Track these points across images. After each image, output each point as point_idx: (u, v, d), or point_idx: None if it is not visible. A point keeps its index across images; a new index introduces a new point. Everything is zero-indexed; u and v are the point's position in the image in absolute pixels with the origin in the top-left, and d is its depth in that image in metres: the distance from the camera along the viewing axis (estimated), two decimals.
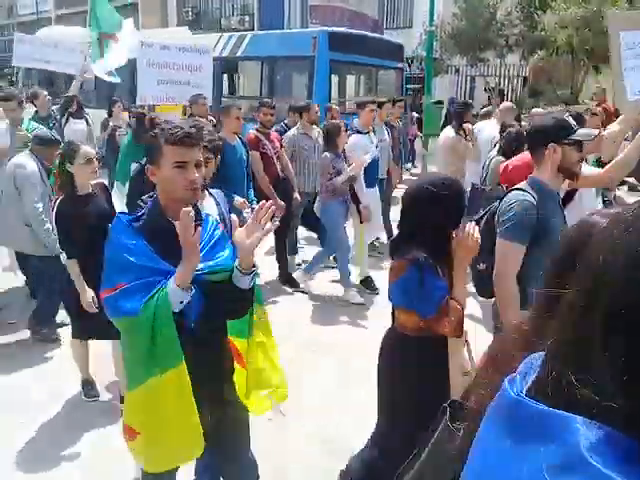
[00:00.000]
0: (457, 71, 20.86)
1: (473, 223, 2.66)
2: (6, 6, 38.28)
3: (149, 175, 2.22)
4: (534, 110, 8.22)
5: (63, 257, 3.96)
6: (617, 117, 5.75)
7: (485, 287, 3.00)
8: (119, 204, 5.22)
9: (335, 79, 11.37)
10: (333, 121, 6.52)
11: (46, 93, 8.62)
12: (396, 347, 2.73)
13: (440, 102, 14.83)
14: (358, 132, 6.68)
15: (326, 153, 6.07)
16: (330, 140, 6.07)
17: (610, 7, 16.60)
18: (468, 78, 20.86)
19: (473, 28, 18.03)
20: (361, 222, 6.42)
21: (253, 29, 21.89)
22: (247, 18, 22.87)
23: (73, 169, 3.92)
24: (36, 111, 8.17)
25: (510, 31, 18.31)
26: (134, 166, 5.17)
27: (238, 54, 11.97)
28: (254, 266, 2.19)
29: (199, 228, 2.11)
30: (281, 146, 6.63)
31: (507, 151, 5.46)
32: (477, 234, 2.60)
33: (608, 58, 16.61)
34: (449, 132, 7.56)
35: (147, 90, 7.17)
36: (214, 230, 2.34)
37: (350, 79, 13.79)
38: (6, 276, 6.13)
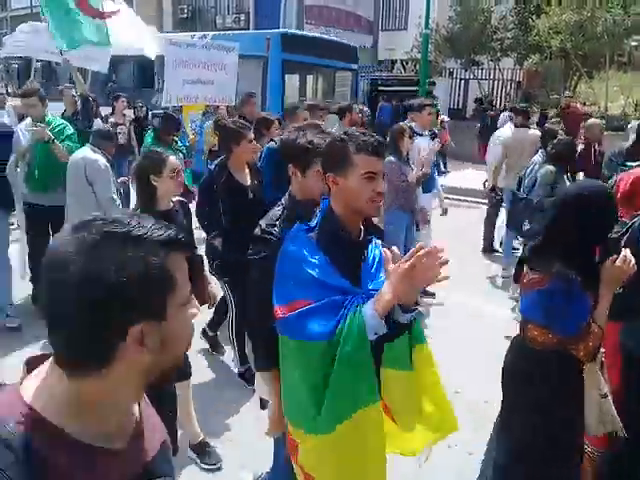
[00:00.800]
0: (451, 74, 20.92)
1: (627, 249, 2.43)
2: None
3: (329, 183, 2.05)
4: (591, 121, 8.00)
5: None
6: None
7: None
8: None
9: (290, 79, 11.61)
10: (397, 124, 6.13)
11: (73, 92, 8.31)
12: (531, 361, 2.55)
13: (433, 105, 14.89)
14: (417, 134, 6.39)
15: (391, 157, 5.56)
16: (393, 144, 5.65)
17: (604, 13, 16.73)
18: (462, 81, 20.91)
19: (468, 31, 18.09)
20: (417, 229, 6.12)
21: (248, 28, 21.84)
22: (242, 17, 22.81)
23: (158, 182, 3.35)
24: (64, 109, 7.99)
25: (504, 35, 18.38)
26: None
27: None
28: (417, 303, 1.89)
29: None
30: None
31: (563, 159, 5.27)
32: (633, 260, 2.37)
33: (601, 63, 16.71)
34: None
35: (173, 90, 6.91)
36: (376, 248, 2.13)
37: (308, 79, 13.82)
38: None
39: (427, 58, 15.94)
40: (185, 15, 24.13)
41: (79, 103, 7.77)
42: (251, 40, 11.09)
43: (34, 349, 4.73)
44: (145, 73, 12.98)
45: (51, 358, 0.99)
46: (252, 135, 4.37)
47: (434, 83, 19.94)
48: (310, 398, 1.89)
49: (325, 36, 14.22)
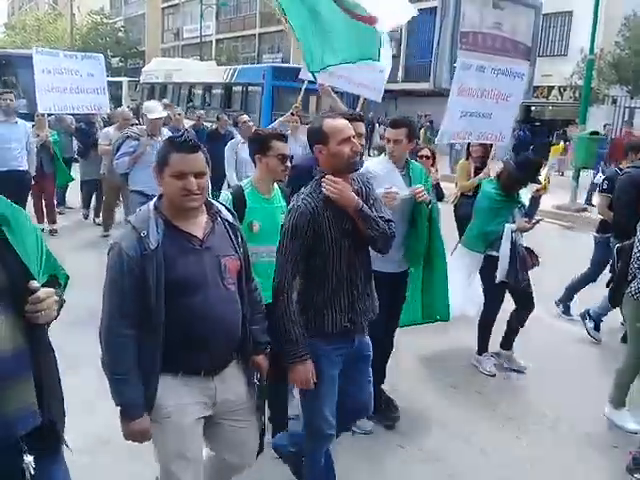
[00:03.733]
0: (614, 102, 19.70)
1: None
2: (173, 30, 42.02)
3: None
4: None
5: None
6: None
7: None
8: None
9: (279, 98, 15.05)
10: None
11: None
12: None
13: (596, 132, 14.05)
14: None
15: None
16: None
17: None
18: (627, 110, 19.60)
19: (636, 57, 17.01)
20: None
21: (398, 56, 22.26)
22: (393, 44, 23.24)
23: None
24: None
25: None
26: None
27: (230, 80, 17.30)
28: None
29: None
30: None
31: None
32: None
33: None
34: None
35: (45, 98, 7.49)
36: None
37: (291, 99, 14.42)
38: None
39: (590, 84, 15.17)
40: None
41: None
42: (256, 71, 16.38)
43: None
44: None
45: None
46: None
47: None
48: None
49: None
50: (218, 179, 6.12)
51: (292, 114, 6.55)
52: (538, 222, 4.34)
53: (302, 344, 2.41)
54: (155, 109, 5.91)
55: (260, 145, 3.01)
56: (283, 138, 3.03)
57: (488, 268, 4.28)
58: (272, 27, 31.13)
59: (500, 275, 4.21)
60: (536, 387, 4.32)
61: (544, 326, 5.22)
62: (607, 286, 4.29)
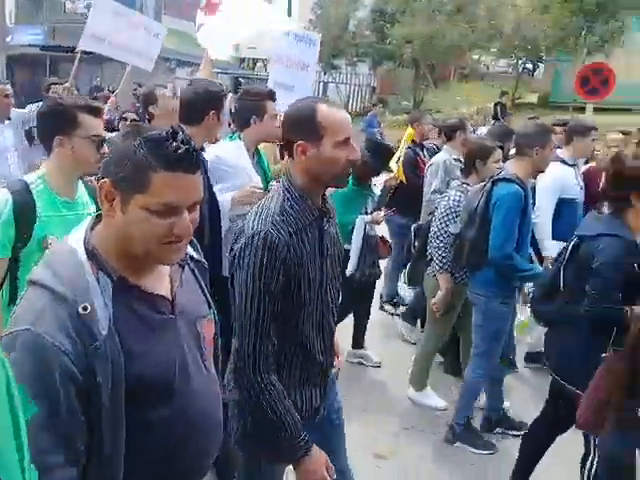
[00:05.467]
0: None
1: None
2: None
3: None
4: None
5: None
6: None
7: None
8: None
9: None
10: None
11: None
12: None
13: None
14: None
15: None
16: None
17: (451, 27, 18.06)
18: (321, 84, 21.22)
19: (327, 36, 18.38)
20: None
21: None
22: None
23: None
24: None
25: (361, 41, 19.01)
26: None
27: None
28: None
29: None
30: None
31: None
32: None
33: (449, 74, 18.03)
34: None
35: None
36: None
37: None
38: None
39: None
40: None
41: None
42: None
43: None
44: None
45: None
46: None
47: None
48: None
49: None
50: None
51: None
52: (393, 213, 4.13)
53: (299, 429, 1.63)
54: None
55: (61, 121, 1.98)
56: (97, 112, 2.04)
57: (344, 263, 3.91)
58: None
59: (351, 268, 3.89)
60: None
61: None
62: (404, 266, 4.29)
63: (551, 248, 3.78)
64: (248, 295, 1.55)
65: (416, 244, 3.99)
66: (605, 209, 2.46)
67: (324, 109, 1.61)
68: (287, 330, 1.64)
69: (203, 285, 1.38)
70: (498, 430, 3.49)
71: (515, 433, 3.34)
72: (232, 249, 1.62)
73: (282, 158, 1.63)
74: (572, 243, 2.45)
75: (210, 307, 1.38)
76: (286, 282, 1.58)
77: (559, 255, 2.55)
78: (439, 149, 5.00)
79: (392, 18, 18.74)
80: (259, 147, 3.19)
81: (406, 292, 5.18)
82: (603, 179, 2.96)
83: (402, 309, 5.07)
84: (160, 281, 1.24)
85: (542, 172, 3.33)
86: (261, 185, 2.93)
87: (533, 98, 19.62)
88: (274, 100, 3.11)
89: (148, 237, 1.14)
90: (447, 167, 4.58)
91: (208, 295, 1.38)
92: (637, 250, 2.24)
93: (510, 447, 3.19)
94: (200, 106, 2.70)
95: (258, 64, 20.64)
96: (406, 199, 4.79)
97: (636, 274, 2.20)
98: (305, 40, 5.20)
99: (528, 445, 2.80)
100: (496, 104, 13.31)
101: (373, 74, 20.27)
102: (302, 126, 1.61)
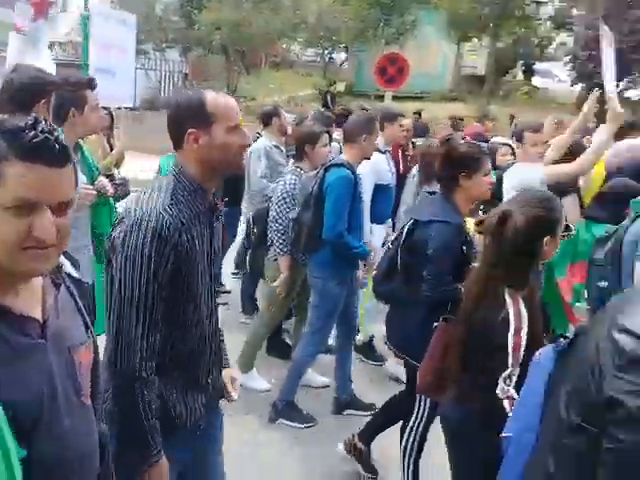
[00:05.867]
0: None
1: None
2: None
3: None
4: None
5: None
6: None
7: None
8: None
9: None
10: None
11: None
12: None
13: None
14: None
15: None
16: None
17: (257, 14, 18.14)
18: None
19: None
20: None
21: None
22: None
23: None
24: None
25: (169, 26, 18.34)
26: None
27: None
28: None
29: None
30: None
31: None
32: None
33: (260, 62, 18.19)
34: None
35: None
36: None
37: None
38: None
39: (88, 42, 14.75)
40: None
41: None
42: None
43: None
44: None
45: None
46: None
47: None
48: None
49: None
50: None
51: None
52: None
53: (157, 439, 1.57)
54: None
55: None
56: None
57: None
58: None
59: None
60: None
61: None
62: (245, 252, 4.35)
63: (370, 232, 4.03)
64: (135, 282, 1.49)
65: (255, 230, 4.04)
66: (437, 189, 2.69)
67: (212, 97, 1.64)
68: (173, 320, 1.59)
69: (81, 307, 1.26)
70: (348, 412, 3.63)
71: (363, 414, 3.51)
72: (111, 235, 1.55)
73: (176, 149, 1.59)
74: (407, 226, 2.64)
75: (88, 330, 1.27)
76: (176, 270, 1.54)
77: (396, 238, 2.73)
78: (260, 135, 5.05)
79: (199, 4, 18.31)
80: (80, 141, 2.97)
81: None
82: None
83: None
84: (30, 301, 1.11)
85: (368, 159, 3.54)
86: (86, 181, 2.76)
87: (341, 87, 20.58)
88: (94, 89, 2.90)
89: (4, 240, 1.01)
90: (268, 152, 4.67)
91: (87, 318, 1.27)
92: (462, 231, 2.48)
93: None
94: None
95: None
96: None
97: (462, 256, 2.44)
98: (121, 22, 4.92)
99: (389, 411, 3.01)
100: (326, 92, 13.86)
101: (184, 60, 19.66)
102: (192, 115, 1.61)
